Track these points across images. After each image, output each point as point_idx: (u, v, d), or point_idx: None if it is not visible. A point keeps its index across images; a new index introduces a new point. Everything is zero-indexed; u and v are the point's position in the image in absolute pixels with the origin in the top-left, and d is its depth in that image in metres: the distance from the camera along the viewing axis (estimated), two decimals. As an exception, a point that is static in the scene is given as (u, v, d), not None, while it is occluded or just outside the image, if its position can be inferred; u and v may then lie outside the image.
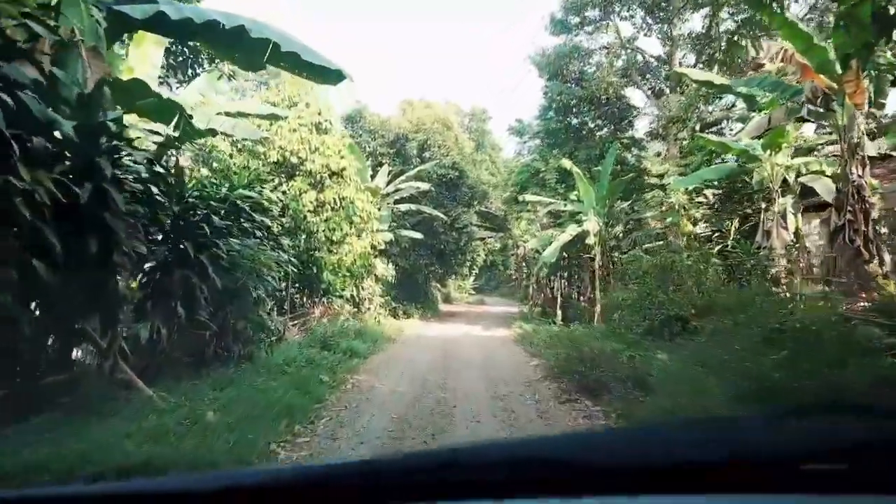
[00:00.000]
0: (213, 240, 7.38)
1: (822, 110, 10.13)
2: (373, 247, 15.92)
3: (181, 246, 7.03)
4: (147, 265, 7.22)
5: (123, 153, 5.45)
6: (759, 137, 12.53)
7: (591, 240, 17.59)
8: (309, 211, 14.00)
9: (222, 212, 8.20)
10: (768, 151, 12.64)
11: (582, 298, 20.08)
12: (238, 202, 9.04)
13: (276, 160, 14.03)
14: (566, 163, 18.96)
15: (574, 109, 24.13)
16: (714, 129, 17.71)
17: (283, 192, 14.01)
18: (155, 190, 6.36)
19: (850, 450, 0.92)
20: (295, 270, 14.99)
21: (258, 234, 9.58)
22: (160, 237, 7.24)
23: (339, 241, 14.66)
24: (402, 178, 21.56)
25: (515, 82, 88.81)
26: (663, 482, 0.91)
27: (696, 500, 0.91)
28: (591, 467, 0.93)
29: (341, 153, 14.93)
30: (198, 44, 10.28)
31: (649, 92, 23.46)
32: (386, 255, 26.39)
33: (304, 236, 14.05)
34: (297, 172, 14.42)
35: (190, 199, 7.45)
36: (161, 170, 6.26)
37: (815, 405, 1.26)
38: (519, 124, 25.29)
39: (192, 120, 7.79)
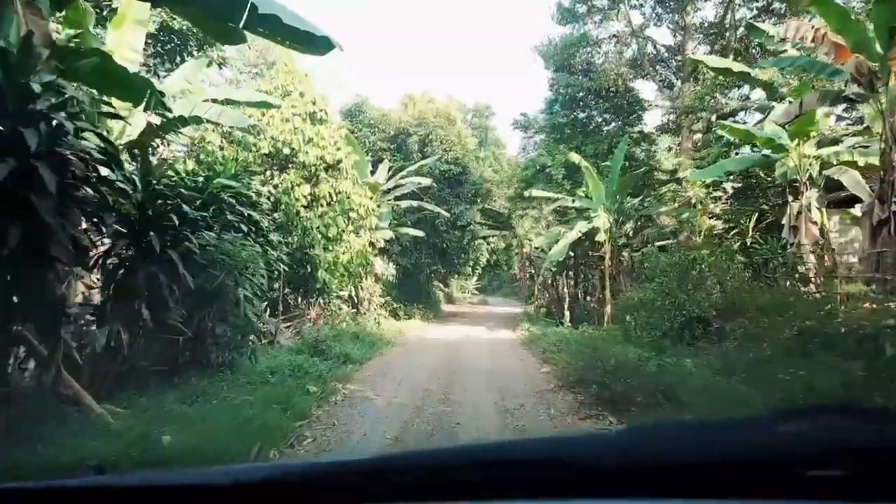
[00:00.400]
0: (183, 232, 6.51)
1: (863, 91, 9.21)
2: (371, 244, 15.06)
3: (146, 239, 6.15)
4: (110, 262, 6.37)
5: (68, 129, 4.57)
6: (784, 126, 11.62)
7: (601, 237, 16.70)
8: (302, 206, 13.13)
9: (198, 202, 7.33)
10: (796, 140, 11.73)
11: (590, 299, 19.19)
12: (219, 193, 8.17)
13: (267, 151, 13.16)
14: (574, 157, 18.07)
15: (581, 102, 23.24)
16: (730, 120, 16.76)
17: (275, 186, 13.15)
18: (113, 175, 5.50)
19: (858, 454, 0.89)
20: (287, 269, 14.19)
21: (243, 228, 8.71)
22: (125, 230, 6.38)
23: (336, 239, 13.79)
24: (403, 173, 20.69)
25: (520, 76, 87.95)
26: (667, 484, 0.90)
27: (691, 503, 0.90)
28: (594, 468, 0.92)
29: (337, 144, 14.06)
30: (166, 8, 9.37)
31: (660, 84, 22.57)
32: (386, 253, 25.55)
33: (297, 233, 13.18)
34: (290, 165, 13.56)
35: (157, 187, 6.56)
36: (117, 151, 5.36)
37: (824, 407, 1.09)
38: (524, 118, 24.42)
39: (164, 99, 6.93)
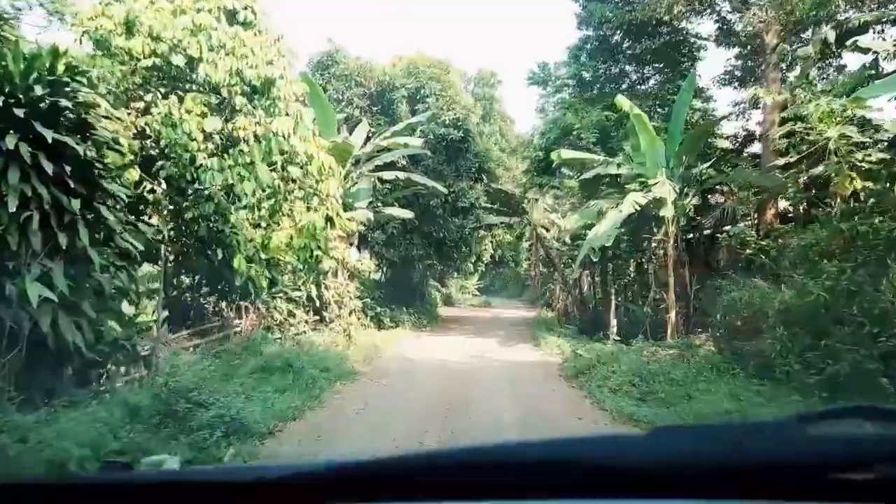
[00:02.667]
0: None
1: None
2: (329, 220, 9.81)
3: None
4: None
5: None
6: None
7: (666, 212, 11.48)
8: (204, 152, 7.88)
9: None
10: None
11: (643, 302, 13.96)
12: None
13: (145, 60, 7.93)
14: (623, 102, 12.86)
15: (617, 50, 18.05)
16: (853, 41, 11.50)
17: (165, 115, 7.85)
18: None
19: (886, 457, 0.87)
20: (189, 253, 9.05)
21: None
22: None
23: (256, 206, 8.58)
24: (387, 134, 15.47)
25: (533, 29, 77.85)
26: (691, 485, 0.89)
27: None
28: (619, 469, 0.91)
29: (270, 60, 8.83)
30: None
31: (720, 23, 17.31)
32: (366, 243, 20.32)
33: (196, 195, 8.00)
34: (187, 83, 8.36)
35: None
36: None
37: (851, 409, 0.99)
38: (542, 71, 19.20)
39: None
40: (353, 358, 10.29)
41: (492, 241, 30.73)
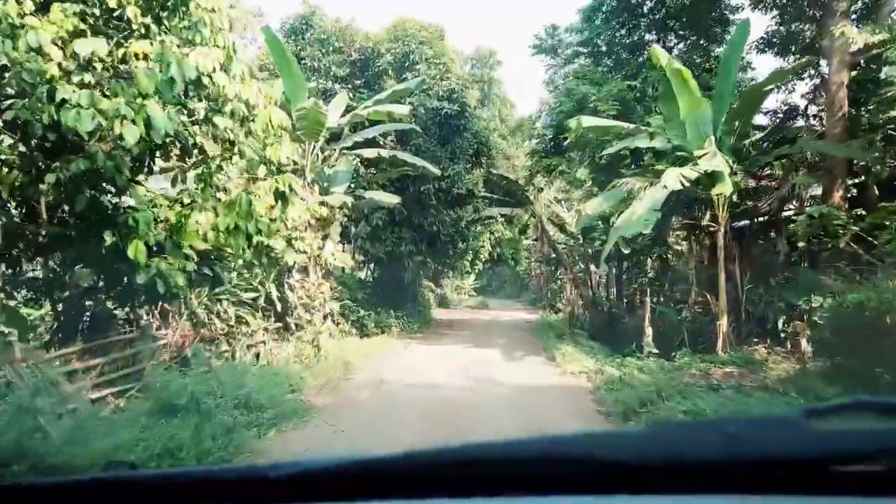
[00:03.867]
0: None
1: None
2: (279, 195, 7.14)
3: None
4: None
5: None
6: None
7: (721, 189, 8.89)
8: (74, 85, 5.22)
9: None
10: None
11: (682, 306, 11.31)
12: None
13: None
14: (660, 54, 10.28)
15: (639, 7, 15.52)
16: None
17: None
18: None
19: (888, 450, 0.88)
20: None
21: None
22: None
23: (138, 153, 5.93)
24: (369, 103, 12.82)
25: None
26: (690, 481, 0.90)
27: (720, 499, 0.90)
28: (617, 465, 0.90)
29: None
30: None
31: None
32: (348, 236, 17.69)
33: (52, 147, 5.37)
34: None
35: None
36: None
37: (854, 403, 0.99)
38: (550, 36, 16.59)
39: None
40: (313, 382, 7.66)
41: (490, 238, 28.13)
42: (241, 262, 10.43)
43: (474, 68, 26.37)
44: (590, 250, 17.10)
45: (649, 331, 10.15)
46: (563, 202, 21.52)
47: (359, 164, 14.99)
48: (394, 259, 17.97)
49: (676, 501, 0.90)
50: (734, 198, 10.44)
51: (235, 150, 7.12)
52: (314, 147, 13.19)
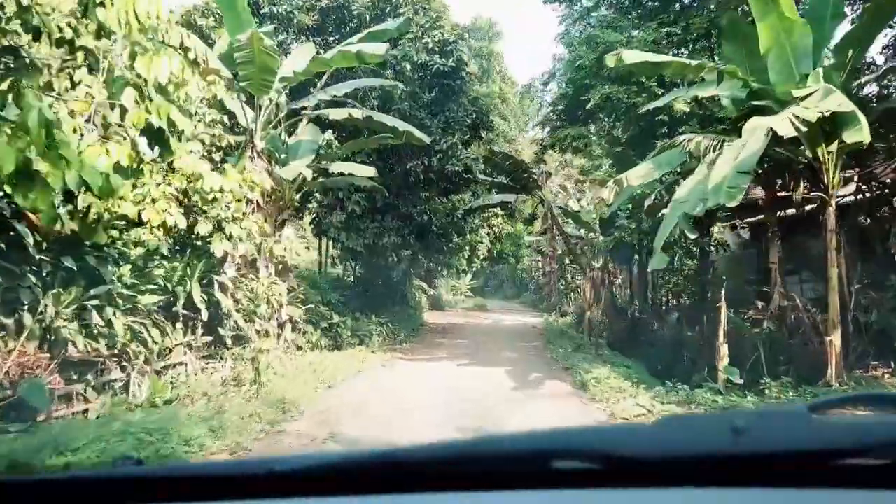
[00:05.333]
0: None
1: None
2: (153, 135, 4.13)
3: None
4: None
5: None
6: None
7: (860, 134, 5.86)
8: None
9: None
10: None
11: (753, 313, 8.26)
12: None
13: None
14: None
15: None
16: None
17: None
18: None
19: (888, 445, 0.86)
20: None
21: None
22: None
23: None
24: (339, 47, 9.74)
25: None
26: (697, 474, 0.88)
27: (726, 492, 0.88)
28: (625, 459, 0.90)
29: None
30: None
31: None
32: (319, 227, 14.61)
33: None
34: None
35: None
36: None
37: (859, 397, 1.13)
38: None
39: None
40: (215, 444, 4.61)
41: (489, 233, 25.09)
42: (139, 250, 7.38)
43: (472, 41, 23.32)
44: (610, 243, 14.15)
45: (724, 351, 7.08)
46: (573, 189, 18.48)
47: (329, 134, 11.97)
48: (376, 254, 14.92)
49: (684, 494, 0.88)
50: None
51: (77, 57, 4.10)
52: (267, 106, 10.14)
